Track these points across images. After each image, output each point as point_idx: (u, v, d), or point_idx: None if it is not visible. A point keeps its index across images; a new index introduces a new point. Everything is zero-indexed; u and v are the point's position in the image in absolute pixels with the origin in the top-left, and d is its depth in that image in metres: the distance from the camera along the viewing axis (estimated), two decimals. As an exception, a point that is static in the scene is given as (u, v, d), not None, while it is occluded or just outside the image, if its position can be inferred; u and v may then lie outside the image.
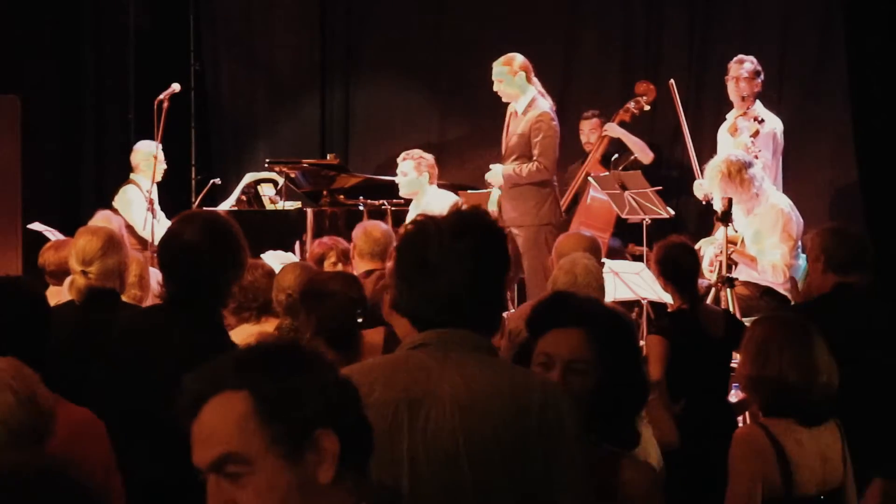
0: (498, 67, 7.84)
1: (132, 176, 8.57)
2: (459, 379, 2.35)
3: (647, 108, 8.97)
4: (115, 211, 8.61)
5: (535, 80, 7.89)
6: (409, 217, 8.26)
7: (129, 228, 8.48)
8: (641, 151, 8.87)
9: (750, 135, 7.65)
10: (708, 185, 7.10)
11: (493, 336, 2.52)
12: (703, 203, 8.21)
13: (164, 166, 8.54)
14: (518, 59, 7.85)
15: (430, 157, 8.34)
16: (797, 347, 3.33)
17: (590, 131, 9.13)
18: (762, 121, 7.74)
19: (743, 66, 7.91)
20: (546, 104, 7.87)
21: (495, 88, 7.88)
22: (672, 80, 8.36)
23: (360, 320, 3.86)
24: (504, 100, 7.95)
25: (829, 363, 3.34)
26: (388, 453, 2.28)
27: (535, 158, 7.72)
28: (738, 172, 6.75)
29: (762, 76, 7.94)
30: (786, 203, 7.08)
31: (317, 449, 1.72)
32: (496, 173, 7.86)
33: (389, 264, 2.52)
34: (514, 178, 7.75)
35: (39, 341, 3.14)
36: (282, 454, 1.70)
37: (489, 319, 2.48)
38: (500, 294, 2.50)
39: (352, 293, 3.93)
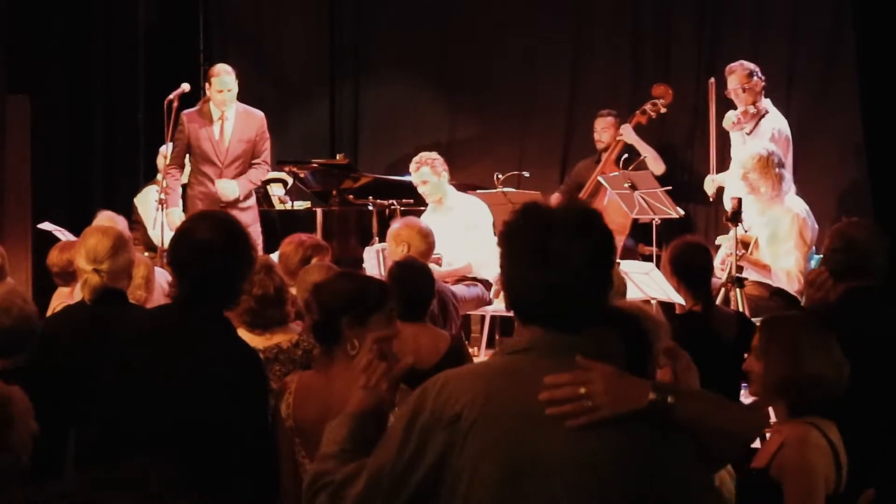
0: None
1: (158, 177, 8.46)
2: None
3: (664, 111, 8.88)
4: (135, 209, 8.64)
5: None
6: (426, 219, 8.14)
7: (141, 228, 8.49)
8: (654, 161, 8.75)
9: (733, 121, 7.77)
10: (741, 173, 7.06)
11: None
12: (710, 200, 8.20)
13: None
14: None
15: (438, 156, 8.16)
16: (827, 345, 3.34)
17: (602, 130, 9.03)
18: (763, 113, 7.73)
19: (735, 75, 7.85)
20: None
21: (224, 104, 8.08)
22: (712, 79, 8.15)
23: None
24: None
25: (845, 360, 3.36)
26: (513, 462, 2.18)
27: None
28: (777, 166, 6.90)
29: (757, 73, 7.87)
30: (802, 208, 7.07)
31: None
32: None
33: (500, 251, 2.35)
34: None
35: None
36: None
37: (591, 319, 2.31)
38: (605, 296, 2.33)
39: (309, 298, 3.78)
